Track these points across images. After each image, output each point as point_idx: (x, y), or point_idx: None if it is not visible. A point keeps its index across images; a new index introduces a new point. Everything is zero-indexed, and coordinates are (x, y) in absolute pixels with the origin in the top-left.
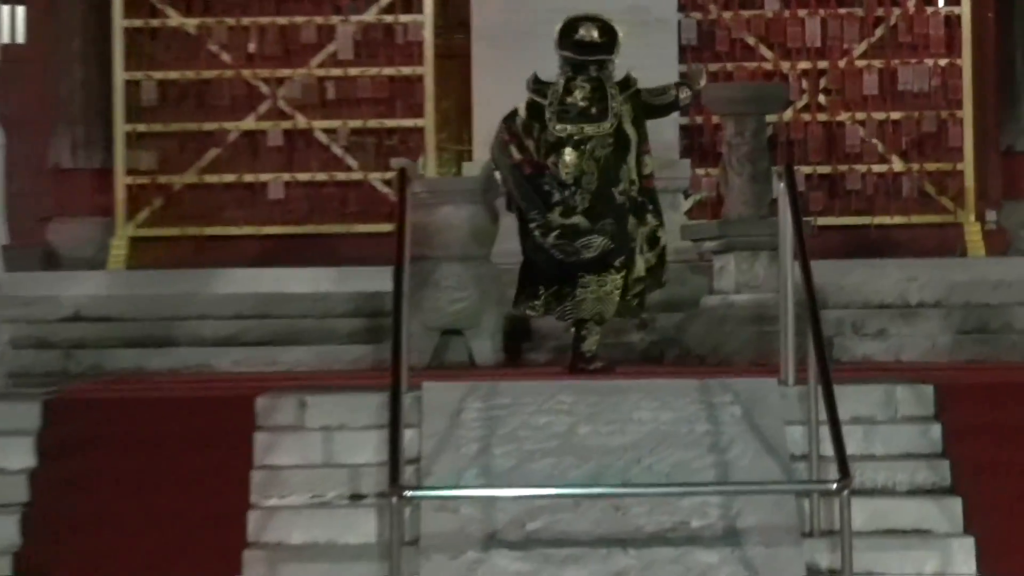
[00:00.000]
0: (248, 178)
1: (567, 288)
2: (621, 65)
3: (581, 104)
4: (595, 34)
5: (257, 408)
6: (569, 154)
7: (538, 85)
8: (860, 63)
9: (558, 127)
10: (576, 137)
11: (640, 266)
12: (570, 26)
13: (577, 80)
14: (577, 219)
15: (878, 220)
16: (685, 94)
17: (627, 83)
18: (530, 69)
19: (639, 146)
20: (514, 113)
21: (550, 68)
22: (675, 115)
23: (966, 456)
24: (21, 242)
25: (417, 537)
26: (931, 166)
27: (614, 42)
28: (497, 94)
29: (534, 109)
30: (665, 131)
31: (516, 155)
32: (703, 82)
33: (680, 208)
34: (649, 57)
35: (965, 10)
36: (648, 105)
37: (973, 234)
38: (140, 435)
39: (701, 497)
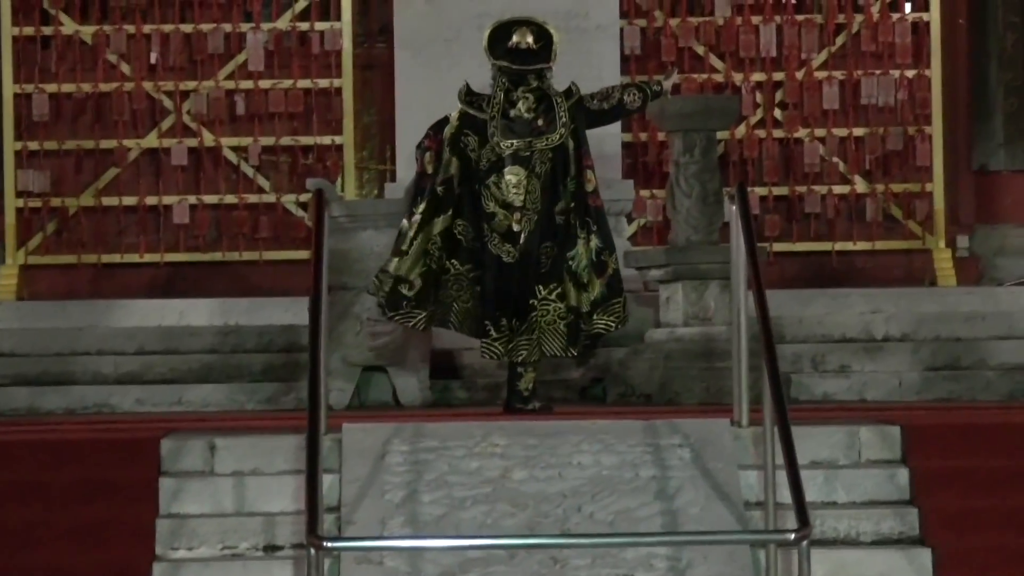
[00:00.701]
0: (150, 200)
1: (516, 321)
2: (558, 77)
3: (527, 116)
4: (530, 40)
5: (162, 451)
6: (515, 172)
7: (471, 97)
8: (820, 74)
9: (504, 143)
10: (523, 153)
11: (581, 296)
12: (502, 31)
13: (518, 91)
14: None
15: (839, 246)
16: (632, 96)
17: (571, 92)
18: (458, 79)
19: (580, 159)
20: (444, 121)
21: (480, 76)
22: (617, 131)
23: (936, 504)
24: None
25: None
26: (897, 187)
27: (551, 48)
28: (423, 107)
29: (468, 122)
30: (607, 148)
31: (427, 166)
32: (669, 84)
33: (623, 233)
34: (588, 67)
35: (934, 16)
36: (591, 112)
37: (943, 261)
38: (31, 482)
39: (647, 548)
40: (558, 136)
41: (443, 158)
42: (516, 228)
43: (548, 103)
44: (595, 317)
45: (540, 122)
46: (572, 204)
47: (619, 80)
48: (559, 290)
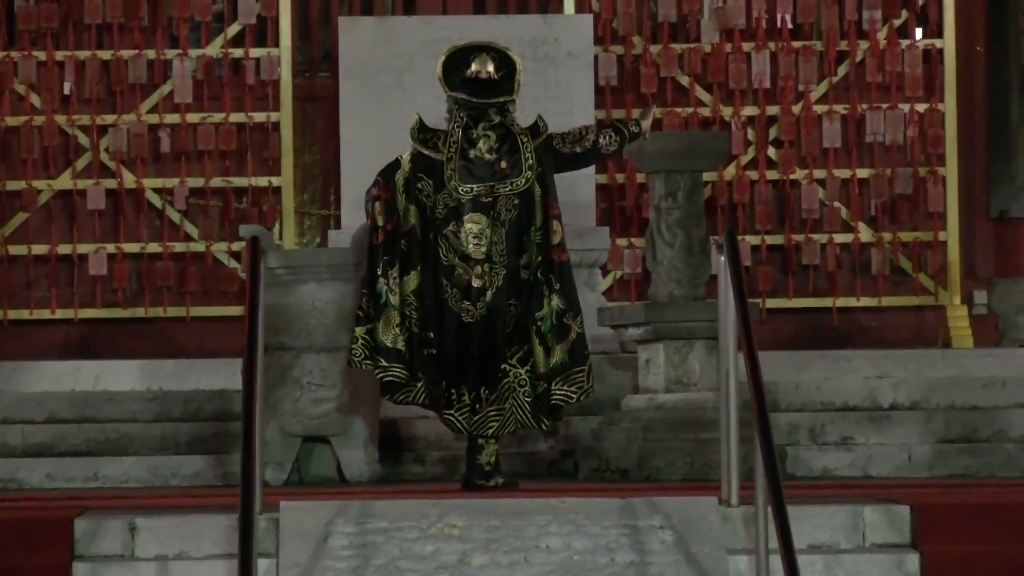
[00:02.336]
0: (63, 249)
1: (485, 389)
2: (523, 112)
3: (488, 158)
4: (491, 69)
5: (76, 533)
6: (476, 220)
7: (425, 134)
8: (819, 108)
9: (463, 188)
10: (485, 199)
11: (545, 360)
12: (459, 59)
13: (478, 128)
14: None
15: (841, 302)
16: (608, 139)
17: (537, 129)
18: (410, 113)
19: (547, 207)
20: (395, 164)
21: (436, 110)
22: (591, 172)
23: None
24: None
25: None
26: (907, 236)
27: (514, 78)
28: (371, 144)
29: (422, 163)
30: (579, 191)
31: (377, 217)
32: (648, 123)
33: (597, 287)
34: (558, 100)
35: (948, 43)
36: (561, 155)
37: (958, 320)
38: None
39: None
40: (523, 180)
41: (398, 207)
42: (476, 284)
43: (512, 142)
44: (554, 387)
45: (503, 164)
46: (539, 258)
47: (592, 115)
48: (520, 353)
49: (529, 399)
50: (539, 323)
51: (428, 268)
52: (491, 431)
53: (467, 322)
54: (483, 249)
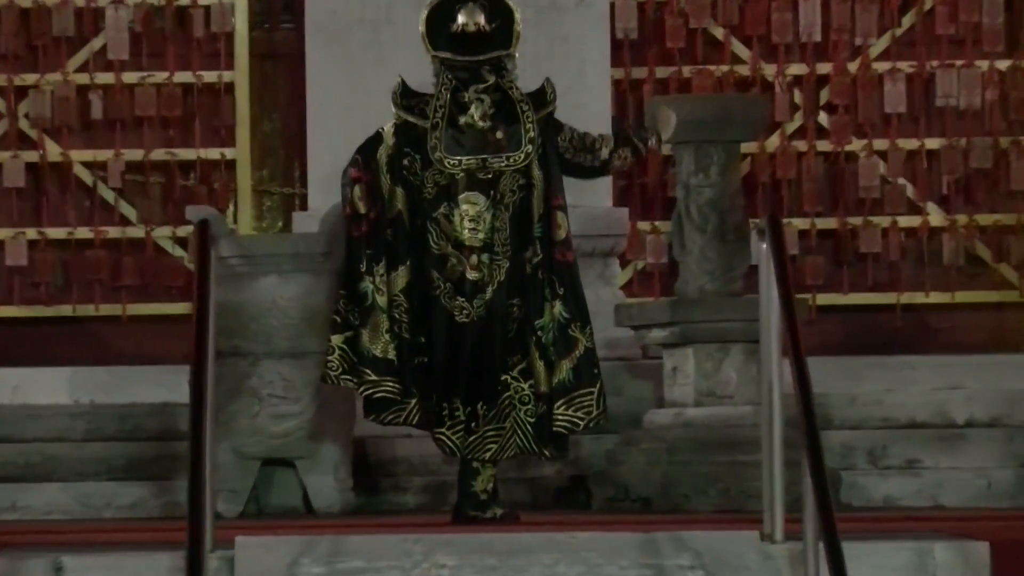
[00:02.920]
0: None
1: (483, 405)
2: (524, 74)
3: (480, 125)
4: (481, 20)
5: None
6: (473, 201)
7: (410, 99)
8: (879, 66)
9: (449, 160)
10: (482, 175)
11: (546, 378)
12: (443, 12)
13: (469, 91)
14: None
15: (906, 299)
16: (623, 158)
17: (543, 97)
18: (388, 74)
19: (548, 195)
20: (376, 139)
21: (419, 72)
22: None
23: None
24: None
25: None
26: (985, 219)
27: (510, 29)
28: (341, 112)
29: (408, 135)
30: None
31: (358, 204)
32: (670, 133)
33: (613, 280)
34: (566, 59)
35: None
36: (563, 159)
37: None
38: None
39: None
40: (523, 155)
41: (383, 190)
42: (472, 276)
43: (510, 109)
44: (556, 410)
45: (499, 134)
46: (539, 255)
47: (608, 75)
48: (522, 366)
49: (532, 420)
50: (539, 333)
51: (416, 260)
52: (488, 454)
53: (460, 323)
54: (480, 236)
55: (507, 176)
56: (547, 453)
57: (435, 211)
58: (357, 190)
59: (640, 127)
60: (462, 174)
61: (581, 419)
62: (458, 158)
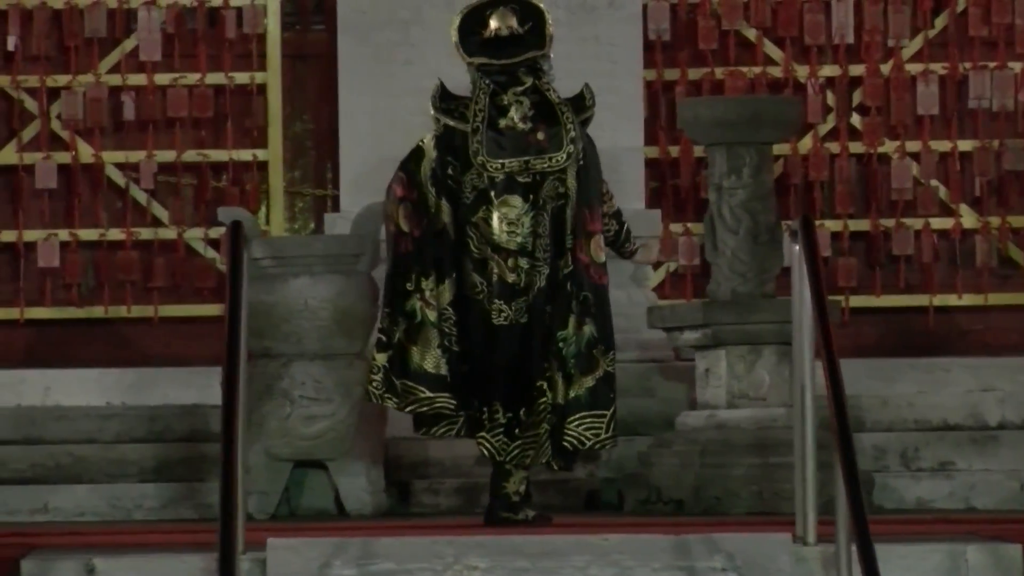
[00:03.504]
0: (6, 236)
1: (524, 411)
2: (558, 74)
3: (521, 127)
4: (514, 23)
5: (23, 574)
6: (512, 204)
7: (449, 102)
8: (912, 67)
9: (492, 164)
10: (522, 178)
11: (563, 390)
12: (474, 19)
13: (508, 94)
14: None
15: (939, 300)
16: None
17: (582, 103)
18: (419, 74)
19: (582, 217)
20: (418, 153)
21: (452, 73)
22: (639, 144)
23: None
24: None
25: None
26: (1018, 221)
27: (543, 31)
28: (372, 111)
29: (448, 141)
30: (624, 167)
31: (401, 223)
32: (645, 257)
33: (645, 282)
34: (598, 60)
35: None
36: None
37: None
38: None
39: None
40: (564, 156)
41: (429, 205)
42: (510, 279)
43: (549, 111)
44: (568, 425)
45: (540, 135)
46: (570, 266)
47: (640, 77)
48: (549, 374)
49: (547, 432)
50: (560, 344)
51: (459, 269)
52: (528, 460)
53: (498, 325)
54: (518, 239)
55: (549, 180)
56: (555, 465)
57: (474, 215)
58: (402, 209)
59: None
60: (501, 177)
61: (588, 439)
62: (500, 161)
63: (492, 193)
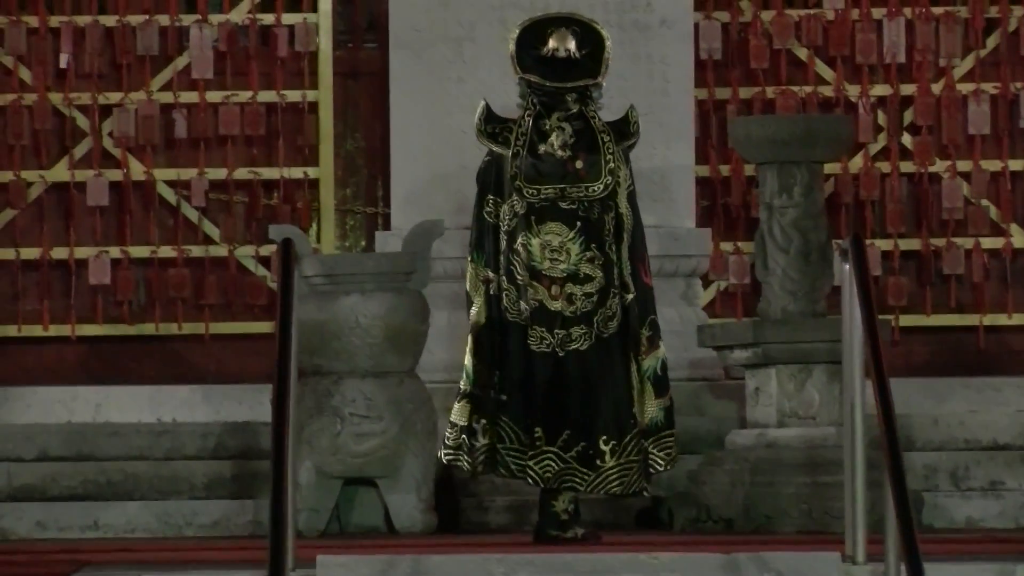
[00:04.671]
0: (58, 253)
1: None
2: (608, 92)
3: (560, 155)
4: (572, 46)
5: None
6: (556, 232)
7: (493, 124)
8: (963, 87)
9: (529, 189)
10: (563, 204)
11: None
12: (534, 33)
13: (551, 119)
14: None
15: (989, 320)
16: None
17: (625, 129)
18: (472, 92)
19: (635, 244)
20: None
21: (503, 89)
22: (689, 163)
23: None
24: None
25: None
26: None
27: (600, 58)
28: (424, 129)
29: (490, 170)
30: (674, 185)
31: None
32: None
33: (696, 301)
34: (650, 78)
35: None
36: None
37: None
38: None
39: None
40: (601, 185)
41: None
42: (552, 307)
43: (591, 139)
44: (650, 448)
45: (578, 163)
46: (634, 293)
47: (691, 95)
48: (629, 398)
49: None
50: (642, 369)
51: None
52: (571, 484)
53: (537, 351)
54: (561, 266)
55: (596, 206)
56: (647, 491)
57: (515, 242)
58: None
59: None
60: (541, 203)
61: (664, 459)
62: (536, 187)
63: (533, 219)
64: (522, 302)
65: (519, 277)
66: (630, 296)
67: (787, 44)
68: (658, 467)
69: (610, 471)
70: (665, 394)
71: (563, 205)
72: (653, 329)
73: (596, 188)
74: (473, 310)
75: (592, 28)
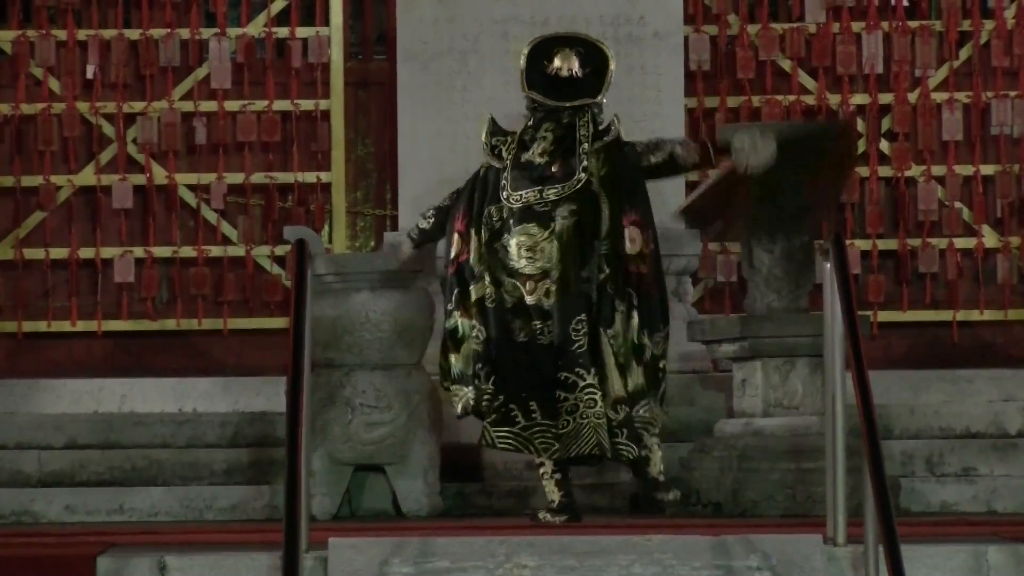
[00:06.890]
0: (85, 253)
1: (549, 406)
2: (606, 99)
3: (539, 161)
4: (575, 66)
5: (99, 572)
6: (527, 232)
7: (496, 137)
8: (938, 96)
9: (513, 196)
10: (538, 207)
11: (621, 383)
12: (543, 49)
13: (540, 130)
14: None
15: (962, 316)
16: (686, 150)
17: (605, 129)
18: (477, 101)
19: (616, 215)
20: (474, 184)
21: (508, 100)
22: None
23: None
24: None
25: None
26: None
27: (602, 77)
28: (431, 136)
29: (483, 179)
30: (666, 189)
31: (450, 248)
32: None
33: (687, 297)
34: (644, 88)
35: None
36: (639, 166)
37: None
38: None
39: None
40: (576, 182)
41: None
42: (530, 301)
43: (569, 143)
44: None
45: (554, 168)
46: (606, 270)
47: (682, 103)
48: (593, 372)
49: (603, 421)
50: (611, 341)
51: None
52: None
53: (519, 341)
54: (537, 264)
55: (563, 205)
56: (630, 453)
57: (496, 243)
58: (456, 237)
59: (720, 151)
60: (518, 206)
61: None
62: (519, 193)
63: (511, 221)
64: (505, 295)
65: (498, 275)
66: (599, 278)
67: (772, 56)
68: (646, 428)
69: (593, 415)
70: (641, 360)
71: (537, 208)
72: (623, 300)
73: (571, 185)
74: (450, 305)
75: (597, 48)
